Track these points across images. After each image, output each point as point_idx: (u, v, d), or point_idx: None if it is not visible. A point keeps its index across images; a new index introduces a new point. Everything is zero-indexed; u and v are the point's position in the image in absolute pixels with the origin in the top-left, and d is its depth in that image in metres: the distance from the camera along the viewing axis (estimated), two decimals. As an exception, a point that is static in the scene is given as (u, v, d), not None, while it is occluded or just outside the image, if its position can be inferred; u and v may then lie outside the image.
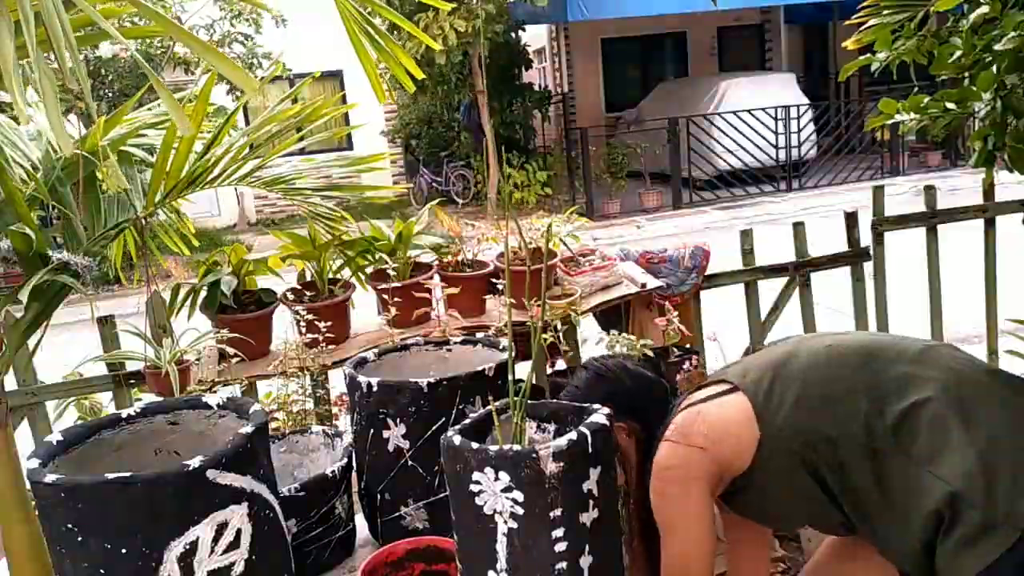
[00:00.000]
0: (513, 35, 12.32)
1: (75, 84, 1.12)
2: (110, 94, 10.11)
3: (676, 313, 2.62)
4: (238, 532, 1.35)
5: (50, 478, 1.28)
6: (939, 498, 1.30)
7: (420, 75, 2.09)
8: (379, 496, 1.82)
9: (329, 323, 2.41)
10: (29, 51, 1.08)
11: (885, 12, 2.47)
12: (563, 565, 1.33)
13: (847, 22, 2.83)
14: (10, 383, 2.51)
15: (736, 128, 11.46)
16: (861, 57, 2.47)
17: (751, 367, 1.60)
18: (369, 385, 1.74)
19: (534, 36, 15.59)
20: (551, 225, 2.60)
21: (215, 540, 1.32)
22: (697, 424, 1.54)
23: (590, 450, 1.34)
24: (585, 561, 1.36)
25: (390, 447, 1.76)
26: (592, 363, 1.78)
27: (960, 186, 9.99)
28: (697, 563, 1.53)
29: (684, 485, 1.52)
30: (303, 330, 2.43)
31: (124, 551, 1.26)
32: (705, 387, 1.64)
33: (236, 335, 2.38)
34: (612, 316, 2.92)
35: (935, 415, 1.36)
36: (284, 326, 2.61)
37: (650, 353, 2.42)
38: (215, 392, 2.22)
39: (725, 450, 1.52)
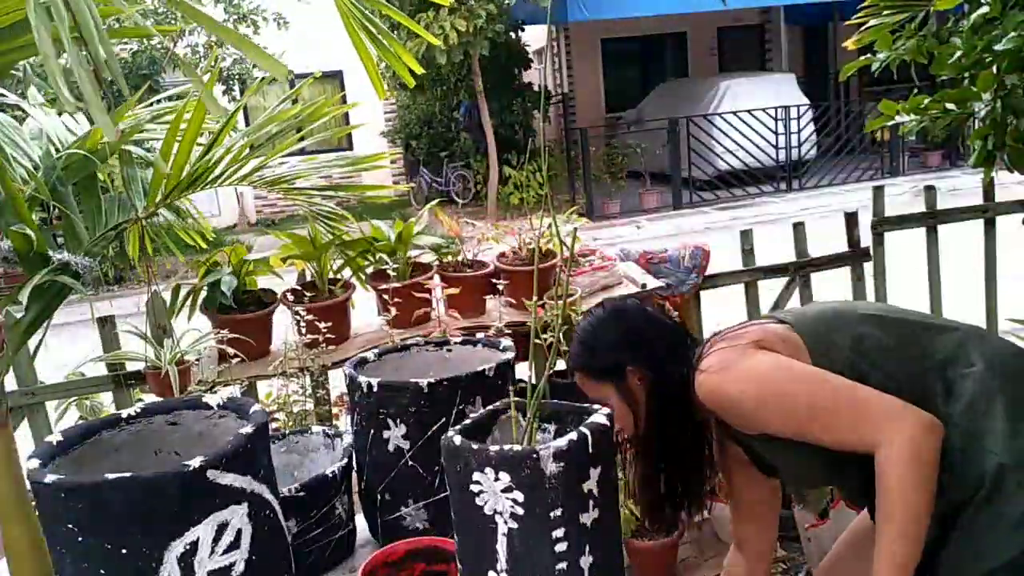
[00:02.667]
0: (513, 35, 12.31)
1: (106, 73, 1.13)
2: (110, 94, 10.11)
3: (676, 313, 2.62)
4: (238, 532, 1.35)
5: (50, 478, 1.27)
6: (986, 469, 1.28)
7: (420, 71, 2.09)
8: (379, 496, 1.82)
9: (329, 323, 2.41)
10: (64, 42, 1.10)
11: (885, 12, 2.47)
12: (563, 565, 1.33)
13: (847, 22, 2.83)
14: (10, 383, 2.51)
15: (736, 128, 11.45)
16: (861, 57, 2.47)
17: (797, 313, 1.51)
18: (369, 385, 1.74)
19: (534, 36, 15.59)
20: (564, 226, 2.60)
21: (215, 540, 1.32)
22: (745, 335, 1.44)
23: (590, 450, 1.34)
24: (585, 561, 1.36)
25: (390, 447, 1.76)
26: (609, 301, 1.69)
27: (960, 186, 9.99)
28: (858, 392, 1.33)
29: (755, 358, 1.39)
30: (303, 330, 2.43)
31: (124, 551, 1.26)
32: (743, 326, 1.54)
33: (236, 335, 2.38)
34: (612, 316, 2.91)
35: (985, 387, 1.33)
36: (284, 326, 2.61)
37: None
38: (215, 392, 2.22)
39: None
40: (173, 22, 9.61)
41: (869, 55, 2.45)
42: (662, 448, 1.57)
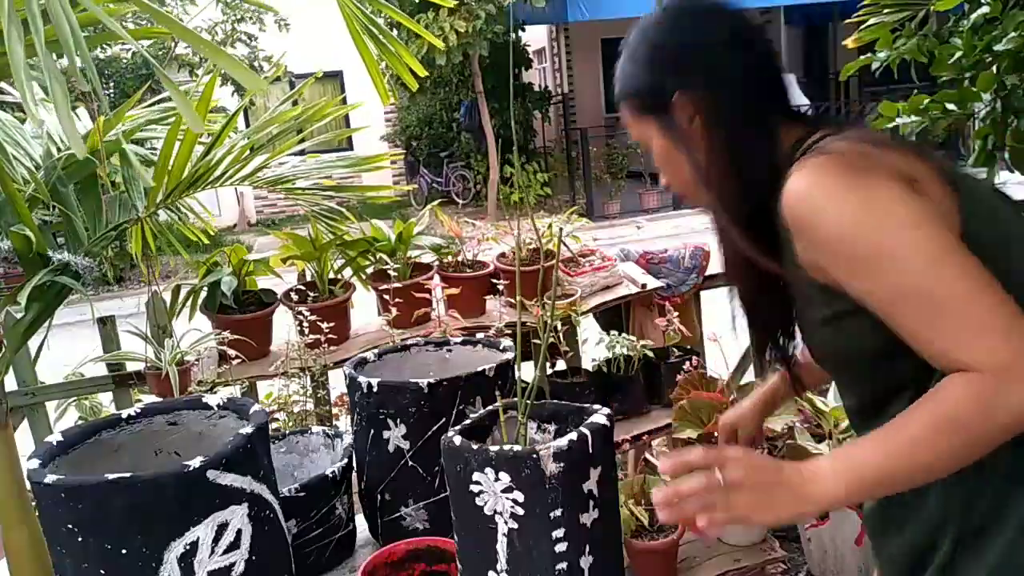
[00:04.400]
0: (513, 35, 12.32)
1: (86, 84, 1.12)
2: (110, 94, 10.13)
3: (676, 314, 2.63)
4: (238, 532, 1.35)
5: (50, 478, 1.27)
6: None
7: (423, 73, 2.09)
8: (379, 496, 1.82)
9: (330, 324, 2.41)
10: (37, 50, 1.09)
11: (885, 11, 2.47)
12: (563, 565, 1.33)
13: (847, 21, 2.83)
14: (10, 383, 2.52)
15: (736, 128, 11.44)
16: (862, 57, 2.48)
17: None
18: (369, 385, 1.74)
19: (534, 36, 15.60)
20: (557, 227, 2.60)
21: (215, 540, 1.32)
22: (889, 152, 1.01)
23: (591, 450, 1.34)
24: (585, 561, 1.36)
25: (390, 447, 1.75)
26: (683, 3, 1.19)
27: (960, 186, 9.97)
28: (983, 281, 0.91)
29: (868, 188, 0.95)
30: (304, 330, 2.43)
31: (124, 551, 1.26)
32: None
33: (236, 336, 2.38)
34: (612, 317, 2.92)
35: None
36: (284, 327, 2.61)
37: (651, 354, 2.43)
38: (215, 392, 2.22)
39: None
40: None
41: (870, 54, 2.45)
42: (743, 194, 1.11)
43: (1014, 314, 0.90)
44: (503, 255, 2.80)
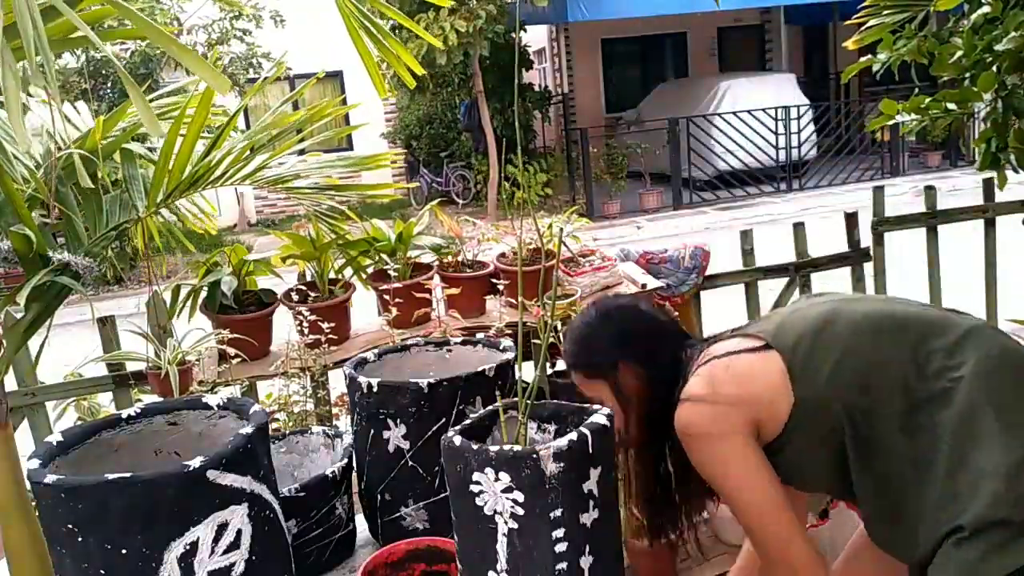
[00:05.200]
0: (513, 35, 12.32)
1: (43, 83, 1.11)
2: (111, 94, 10.13)
3: (676, 313, 2.62)
4: (238, 532, 1.35)
5: (50, 478, 1.27)
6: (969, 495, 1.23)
7: (421, 71, 2.09)
8: (379, 496, 1.82)
9: (330, 324, 2.41)
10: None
11: (885, 12, 2.48)
12: (563, 565, 1.33)
13: (847, 22, 2.83)
14: (10, 383, 2.51)
15: (736, 128, 11.46)
16: (863, 59, 2.48)
17: (784, 327, 1.46)
18: (369, 385, 1.74)
19: (534, 36, 15.59)
20: (557, 227, 2.60)
21: (215, 540, 1.32)
22: (726, 378, 1.43)
23: (591, 451, 1.34)
24: (585, 561, 1.36)
25: (390, 447, 1.75)
26: (603, 301, 1.68)
27: (960, 186, 10.00)
28: (771, 516, 1.40)
29: (721, 443, 1.40)
30: (304, 330, 2.43)
31: (124, 551, 1.26)
32: (727, 339, 1.52)
33: (237, 335, 2.38)
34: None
35: (972, 403, 1.28)
36: (285, 327, 2.61)
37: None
38: (215, 393, 2.22)
39: (758, 411, 1.40)
40: (171, 23, 9.61)
41: (871, 56, 2.45)
42: (660, 447, 1.56)
43: (801, 529, 1.45)
44: (503, 255, 2.80)
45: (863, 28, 2.58)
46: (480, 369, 1.76)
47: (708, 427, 1.41)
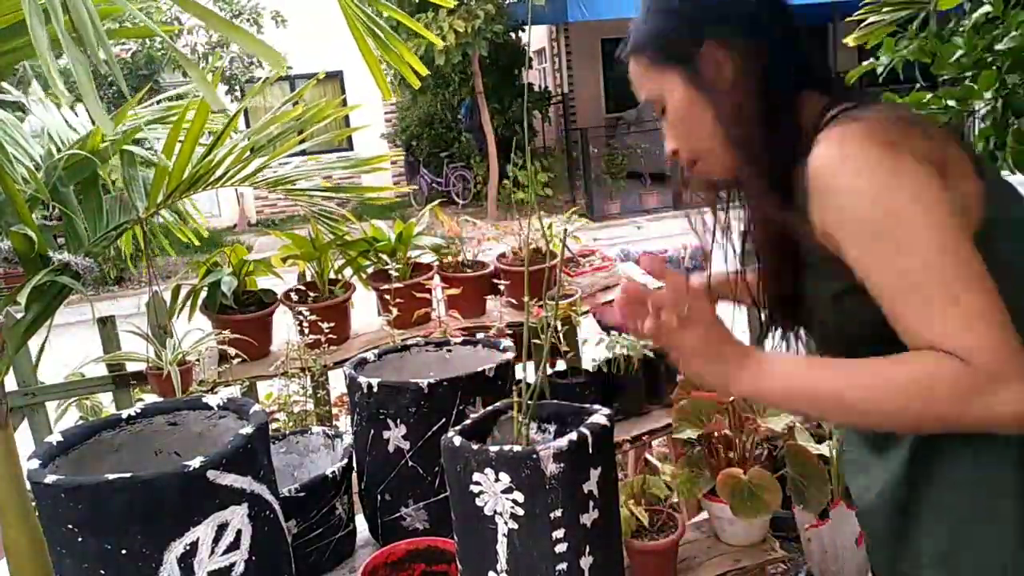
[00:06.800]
0: (513, 35, 12.33)
1: (106, 72, 1.14)
2: (111, 94, 10.14)
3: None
4: (238, 533, 1.35)
5: (50, 478, 1.27)
6: None
7: (424, 71, 2.09)
8: (379, 496, 1.81)
9: (330, 324, 2.41)
10: (59, 37, 1.10)
11: (885, 10, 2.48)
12: (563, 566, 1.33)
13: (847, 19, 2.83)
14: (10, 383, 2.52)
15: (736, 128, 11.43)
16: (864, 64, 2.48)
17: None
18: (369, 386, 1.74)
19: (534, 36, 15.59)
20: (558, 227, 2.60)
21: (215, 541, 1.32)
22: (922, 128, 0.99)
23: (590, 450, 1.34)
24: (585, 562, 1.35)
25: (390, 448, 1.75)
26: None
27: (961, 186, 9.96)
28: (971, 283, 0.89)
29: (901, 163, 0.92)
30: (304, 330, 2.43)
31: (124, 551, 1.26)
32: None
33: (237, 335, 2.38)
34: (613, 316, 2.91)
35: None
36: (285, 327, 2.61)
37: (651, 354, 2.43)
38: (216, 393, 2.22)
39: (944, 173, 0.95)
40: (170, 22, 9.61)
41: (872, 60, 2.45)
42: (773, 151, 1.06)
43: (1006, 317, 0.89)
44: (503, 255, 2.80)
45: (863, 25, 2.59)
46: (480, 369, 1.76)
47: (875, 141, 0.94)
